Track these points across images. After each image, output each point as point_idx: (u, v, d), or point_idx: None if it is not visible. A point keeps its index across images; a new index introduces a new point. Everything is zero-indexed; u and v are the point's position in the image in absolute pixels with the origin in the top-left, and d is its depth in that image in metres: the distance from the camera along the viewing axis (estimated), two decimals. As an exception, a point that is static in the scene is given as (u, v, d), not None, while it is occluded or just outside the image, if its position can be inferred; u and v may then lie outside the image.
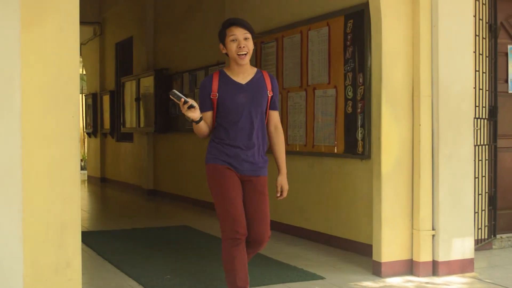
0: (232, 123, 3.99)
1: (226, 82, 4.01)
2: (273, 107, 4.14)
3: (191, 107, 3.84)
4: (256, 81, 4.05)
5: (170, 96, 3.80)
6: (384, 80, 5.59)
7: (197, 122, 3.92)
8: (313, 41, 7.24)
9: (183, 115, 3.90)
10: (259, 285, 5.34)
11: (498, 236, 6.81)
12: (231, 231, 4.14)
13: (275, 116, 4.18)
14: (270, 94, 4.06)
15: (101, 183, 15.41)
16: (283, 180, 4.19)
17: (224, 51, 4.02)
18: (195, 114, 3.86)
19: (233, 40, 3.93)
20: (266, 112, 4.09)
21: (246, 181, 4.10)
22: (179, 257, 6.47)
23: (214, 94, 3.99)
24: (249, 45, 3.95)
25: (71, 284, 4.29)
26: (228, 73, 4.04)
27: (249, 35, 3.95)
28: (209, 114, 4.04)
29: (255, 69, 4.10)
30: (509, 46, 7.06)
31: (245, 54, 3.94)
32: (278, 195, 4.20)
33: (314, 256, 6.42)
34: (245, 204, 4.11)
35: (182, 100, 3.81)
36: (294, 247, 6.98)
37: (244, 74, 4.03)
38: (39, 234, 4.21)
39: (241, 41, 3.92)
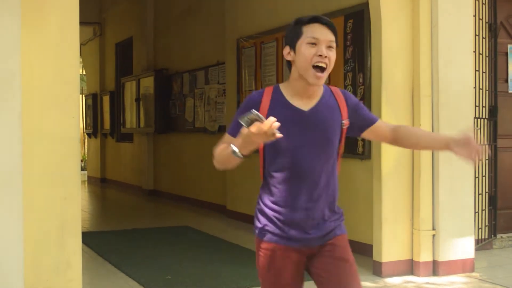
0: (288, 172, 2.59)
1: (281, 107, 2.58)
2: (369, 122, 2.76)
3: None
4: (325, 106, 2.63)
5: (242, 123, 2.30)
6: (384, 80, 5.59)
7: (247, 156, 2.43)
8: (313, 41, 7.23)
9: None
10: (259, 285, 5.33)
11: (498, 235, 6.81)
12: None
13: (382, 125, 2.80)
14: (346, 124, 2.67)
15: (101, 184, 15.41)
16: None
17: (289, 58, 2.60)
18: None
19: (312, 44, 2.53)
20: (338, 148, 2.74)
21: (315, 252, 2.68)
22: (179, 257, 6.47)
23: None
24: (332, 57, 2.55)
25: (72, 285, 4.30)
26: (285, 93, 2.61)
27: (334, 44, 2.56)
28: None
29: (321, 87, 2.67)
30: (509, 46, 7.06)
31: (325, 69, 2.53)
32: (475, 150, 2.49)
33: (314, 256, 6.41)
34: (320, 283, 2.69)
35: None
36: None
37: (309, 96, 2.61)
38: (39, 235, 4.22)
39: (323, 49, 2.52)
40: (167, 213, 10.39)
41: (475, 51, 6.21)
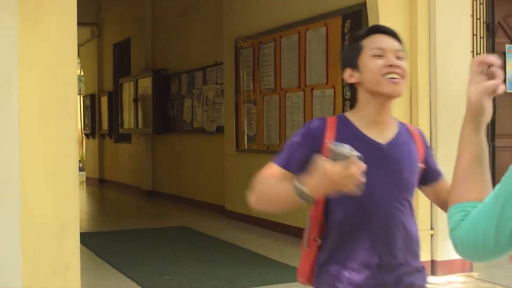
0: (361, 221, 2.06)
1: (353, 139, 2.01)
2: (437, 176, 2.28)
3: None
4: (403, 142, 2.15)
5: (334, 152, 1.74)
6: (382, 80, 5.60)
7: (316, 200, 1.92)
8: (311, 41, 7.24)
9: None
10: (258, 285, 5.34)
11: (496, 235, 6.81)
12: None
13: (445, 184, 2.26)
14: (422, 167, 2.19)
15: (100, 184, 15.40)
16: None
17: (352, 80, 2.13)
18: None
19: (378, 56, 2.07)
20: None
21: None
22: (178, 258, 6.47)
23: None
24: (405, 68, 2.09)
25: (70, 285, 4.29)
26: (356, 122, 2.12)
27: (403, 54, 2.11)
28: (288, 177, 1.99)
29: (393, 119, 2.21)
30: (506, 46, 7.06)
31: (399, 79, 2.06)
32: None
33: (313, 256, 6.41)
34: None
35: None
36: (293, 247, 6.98)
37: (384, 125, 2.14)
38: (38, 236, 4.21)
39: (392, 58, 2.06)
40: (166, 214, 10.39)
41: (472, 51, 6.22)
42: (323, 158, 1.77)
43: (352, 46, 2.16)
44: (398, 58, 2.08)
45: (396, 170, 2.09)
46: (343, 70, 2.17)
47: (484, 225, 1.30)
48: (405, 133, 2.18)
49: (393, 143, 2.11)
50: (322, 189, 1.77)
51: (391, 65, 2.04)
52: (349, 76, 2.13)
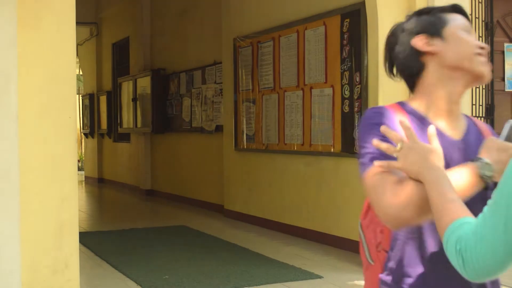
0: (435, 234, 1.63)
1: (424, 133, 1.64)
2: None
3: None
4: (474, 138, 1.76)
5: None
6: (380, 79, 5.59)
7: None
8: (310, 41, 7.25)
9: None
10: (258, 284, 5.34)
11: (495, 234, 6.81)
12: None
13: None
14: None
15: (99, 184, 15.40)
16: None
17: (428, 48, 1.71)
18: None
19: (468, 33, 1.75)
20: None
21: None
22: (177, 257, 6.47)
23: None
24: None
25: (69, 285, 4.29)
26: (423, 111, 1.73)
27: None
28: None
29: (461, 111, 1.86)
30: (505, 45, 7.07)
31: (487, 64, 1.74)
32: None
33: (312, 256, 6.42)
34: None
35: None
36: (292, 246, 6.98)
37: (455, 116, 1.74)
38: (37, 235, 4.21)
39: (479, 42, 1.76)
40: (165, 213, 10.39)
41: (471, 50, 6.22)
42: (495, 137, 1.60)
43: (435, 15, 1.77)
44: None
45: None
46: (411, 36, 1.76)
47: (491, 232, 1.24)
48: (473, 129, 1.79)
49: (467, 139, 1.72)
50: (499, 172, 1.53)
51: (482, 48, 1.71)
52: (425, 43, 1.72)
